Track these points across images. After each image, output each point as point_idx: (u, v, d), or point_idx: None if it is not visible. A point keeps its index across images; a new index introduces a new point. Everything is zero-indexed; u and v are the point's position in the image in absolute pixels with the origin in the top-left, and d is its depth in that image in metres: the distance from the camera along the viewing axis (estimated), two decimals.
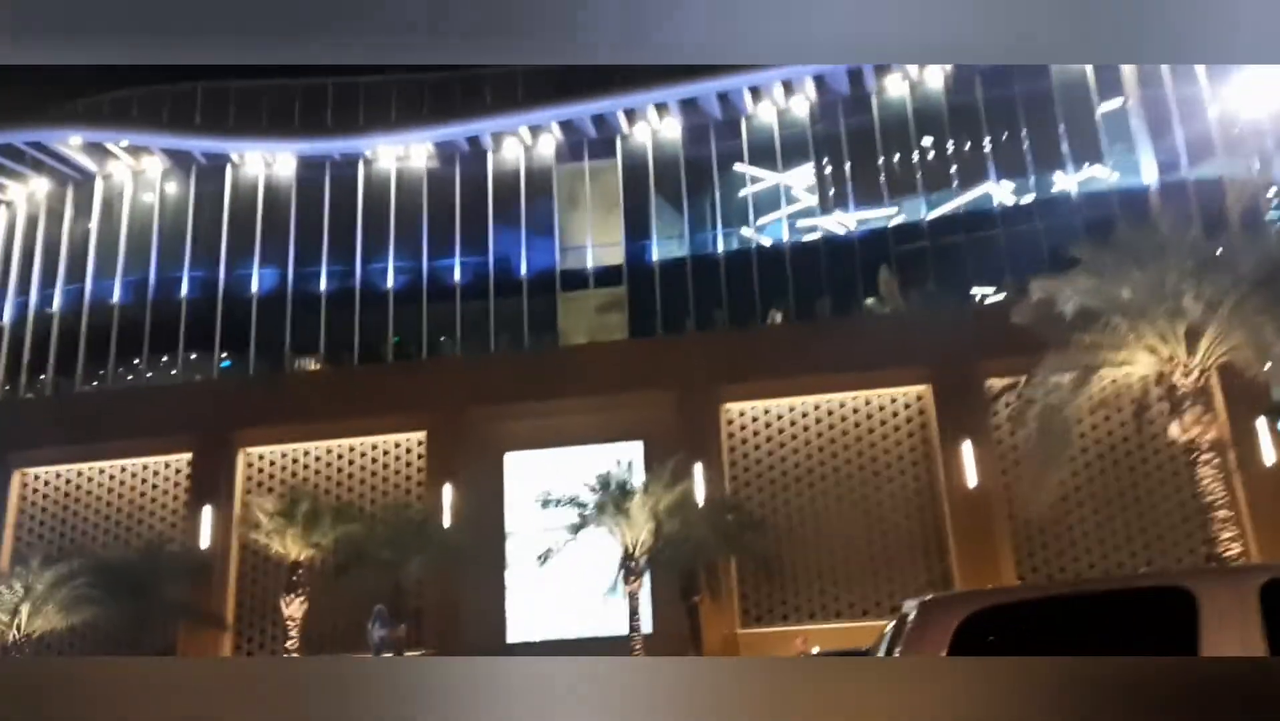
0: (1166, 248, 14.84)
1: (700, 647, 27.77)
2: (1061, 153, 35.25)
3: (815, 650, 25.18)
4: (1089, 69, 35.33)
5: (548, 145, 38.55)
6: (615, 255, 37.30)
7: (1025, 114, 35.79)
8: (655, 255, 37.08)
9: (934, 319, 31.34)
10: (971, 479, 29.27)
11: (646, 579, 26.79)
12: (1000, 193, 35.45)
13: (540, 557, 25.77)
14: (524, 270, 37.33)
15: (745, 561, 28.43)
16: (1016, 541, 29.31)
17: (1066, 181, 35.07)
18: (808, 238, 36.41)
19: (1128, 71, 35.20)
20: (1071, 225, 31.44)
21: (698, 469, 28.92)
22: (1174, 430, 15.26)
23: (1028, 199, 35.22)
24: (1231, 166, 32.25)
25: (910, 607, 4.96)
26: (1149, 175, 34.18)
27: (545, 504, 25.61)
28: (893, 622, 5.49)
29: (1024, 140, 35.61)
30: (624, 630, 26.27)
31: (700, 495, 28.57)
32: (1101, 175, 35.04)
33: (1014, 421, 16.91)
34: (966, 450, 29.43)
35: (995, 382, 27.93)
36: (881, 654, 5.39)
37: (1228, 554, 15.96)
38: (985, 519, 29.06)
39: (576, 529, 25.72)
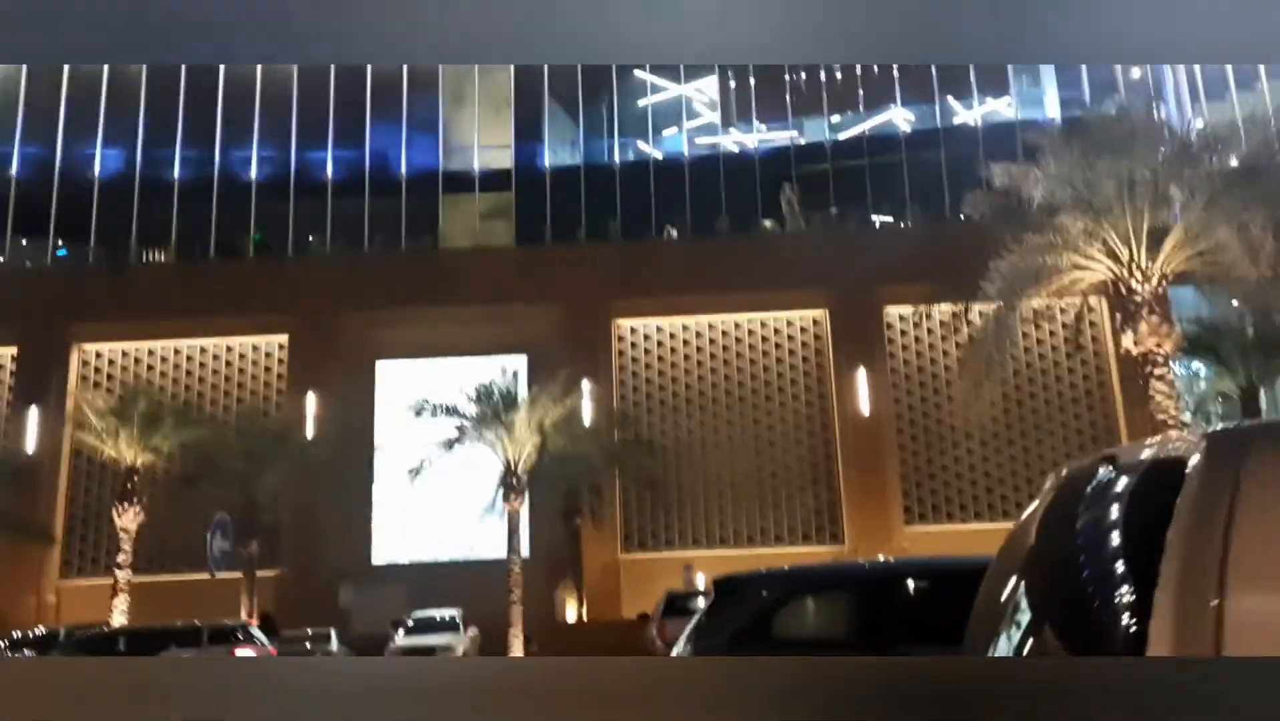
0: (1137, 134, 13.65)
1: (580, 572, 26.40)
2: (968, 82, 34.45)
3: (700, 577, 24.05)
4: None
5: None
6: (503, 158, 34.84)
7: None
8: (547, 161, 34.82)
9: (834, 242, 30.31)
10: (865, 406, 28.53)
11: (526, 499, 25.06)
12: (904, 119, 34.51)
13: (412, 472, 23.70)
14: (403, 168, 34.55)
15: (630, 483, 27.04)
16: (904, 470, 28.80)
17: (969, 114, 34.41)
18: (707, 153, 34.76)
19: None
20: (974, 154, 30.61)
21: (585, 385, 27.26)
22: (1127, 341, 14.15)
23: (931, 126, 34.38)
24: (1134, 105, 31.92)
25: (1166, 447, 2.39)
26: (1052, 110, 33.75)
27: (419, 412, 23.48)
28: (1063, 484, 2.81)
29: (931, 67, 34.59)
30: (501, 553, 24.56)
31: (587, 413, 26.98)
32: (1003, 108, 34.51)
33: (946, 330, 15.51)
34: (861, 377, 28.64)
35: (895, 309, 27.16)
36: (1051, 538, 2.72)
37: None
38: (876, 447, 28.44)
39: (453, 443, 23.73)
